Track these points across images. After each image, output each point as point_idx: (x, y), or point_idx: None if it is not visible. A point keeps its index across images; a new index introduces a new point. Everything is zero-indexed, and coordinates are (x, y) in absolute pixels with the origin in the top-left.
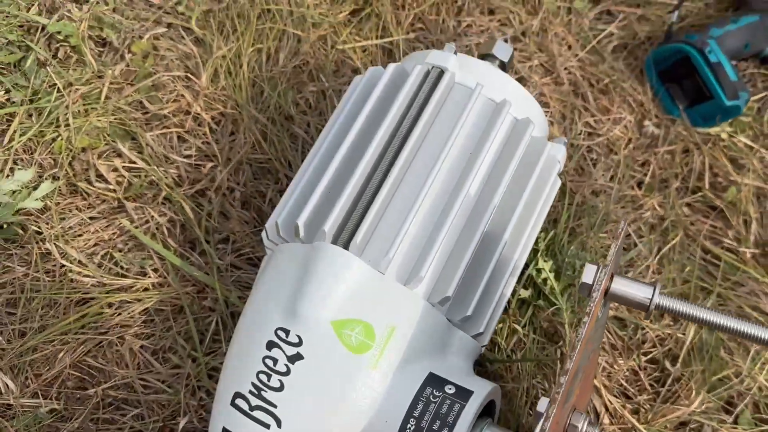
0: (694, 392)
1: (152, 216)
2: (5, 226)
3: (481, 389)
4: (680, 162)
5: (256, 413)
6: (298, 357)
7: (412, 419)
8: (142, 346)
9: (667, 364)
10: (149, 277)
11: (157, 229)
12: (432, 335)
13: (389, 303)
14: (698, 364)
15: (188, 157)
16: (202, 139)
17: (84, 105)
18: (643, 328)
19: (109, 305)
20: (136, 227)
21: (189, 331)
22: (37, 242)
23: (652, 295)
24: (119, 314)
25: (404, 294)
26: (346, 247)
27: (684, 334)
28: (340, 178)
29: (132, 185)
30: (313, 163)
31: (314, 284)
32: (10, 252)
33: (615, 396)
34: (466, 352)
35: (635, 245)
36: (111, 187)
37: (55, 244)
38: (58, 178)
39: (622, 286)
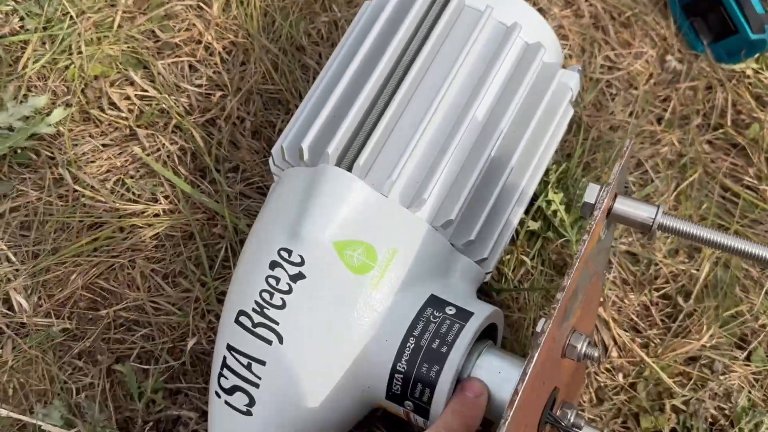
0: (705, 327)
1: (163, 144)
2: (19, 151)
3: (482, 311)
4: (702, 98)
5: (259, 330)
6: (300, 276)
7: (411, 338)
8: (153, 270)
9: (680, 300)
10: (160, 203)
11: (168, 156)
12: (434, 258)
13: (392, 225)
14: (711, 300)
15: (199, 86)
16: (213, 69)
17: (96, 33)
18: (656, 264)
19: (121, 230)
20: (148, 155)
21: (199, 256)
22: (50, 167)
23: (656, 215)
24: (130, 239)
25: (407, 217)
26: (349, 169)
27: (698, 270)
28: (346, 101)
29: (143, 113)
30: (320, 87)
31: (317, 205)
32: (24, 176)
33: (624, 330)
34: (470, 277)
35: (652, 181)
36: (123, 114)
37: (68, 169)
38: (71, 105)
39: (625, 206)
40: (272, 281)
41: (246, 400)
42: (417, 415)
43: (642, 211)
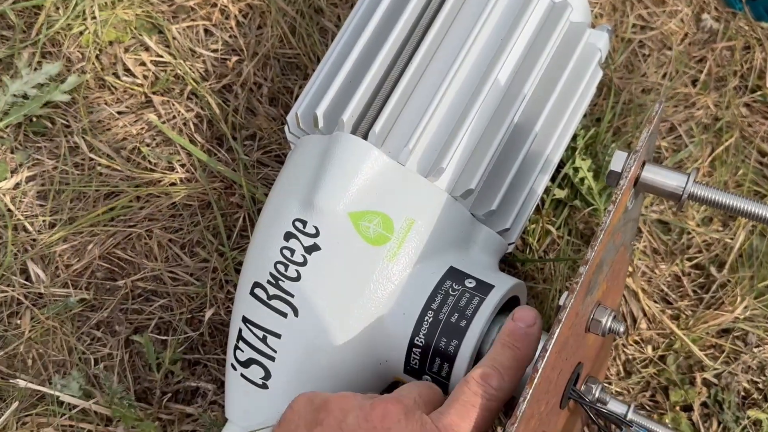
0: (739, 299)
1: (179, 111)
2: (34, 119)
3: (503, 284)
4: (740, 59)
5: (274, 302)
6: (315, 248)
7: (430, 311)
8: (170, 240)
9: (713, 270)
10: (177, 172)
11: (184, 124)
12: (454, 229)
13: (409, 195)
14: (746, 270)
15: (215, 51)
16: (228, 33)
17: None
18: (689, 233)
19: (138, 199)
20: (163, 122)
21: (216, 226)
22: (65, 135)
23: (686, 184)
24: (147, 208)
25: (425, 186)
26: (365, 137)
27: (733, 239)
28: (361, 66)
29: (158, 79)
30: (335, 52)
31: (331, 175)
32: (39, 145)
33: (654, 301)
34: (491, 249)
35: (686, 146)
36: (138, 81)
37: (83, 137)
38: (86, 72)
39: (653, 174)
40: (287, 253)
41: (262, 374)
42: None
43: (672, 180)
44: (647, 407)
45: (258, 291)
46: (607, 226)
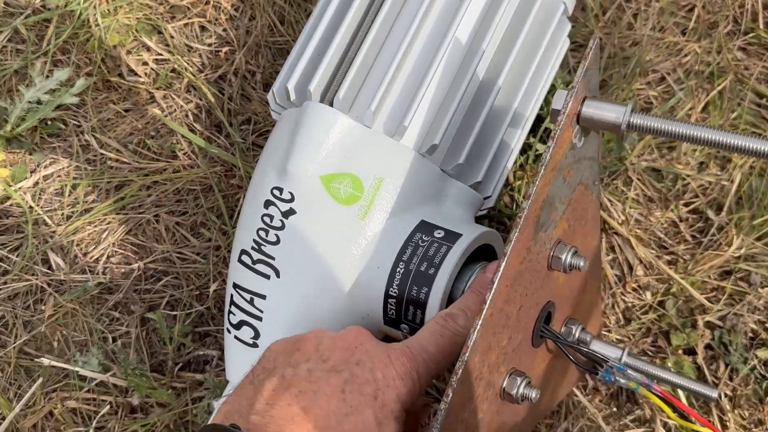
0: (737, 238)
1: (179, 104)
2: (49, 122)
3: (471, 232)
4: (731, 3)
5: (258, 266)
6: (291, 212)
7: (401, 263)
8: (176, 223)
9: (710, 214)
10: (179, 160)
11: (185, 115)
12: (424, 185)
13: (376, 155)
14: (745, 211)
15: (209, 44)
16: (221, 27)
17: (112, 4)
18: (683, 179)
19: (145, 188)
20: (166, 115)
21: (219, 207)
22: (77, 135)
23: (624, 115)
24: (154, 195)
25: (391, 145)
26: (331, 104)
27: (731, 181)
28: (327, 39)
29: (159, 75)
30: (305, 31)
31: (301, 142)
32: (54, 145)
33: (650, 248)
34: (465, 202)
35: (675, 93)
36: (141, 80)
37: (93, 135)
38: (92, 75)
39: (593, 109)
40: (267, 219)
41: (252, 333)
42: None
43: (611, 113)
44: (649, 353)
45: (244, 257)
46: (547, 161)
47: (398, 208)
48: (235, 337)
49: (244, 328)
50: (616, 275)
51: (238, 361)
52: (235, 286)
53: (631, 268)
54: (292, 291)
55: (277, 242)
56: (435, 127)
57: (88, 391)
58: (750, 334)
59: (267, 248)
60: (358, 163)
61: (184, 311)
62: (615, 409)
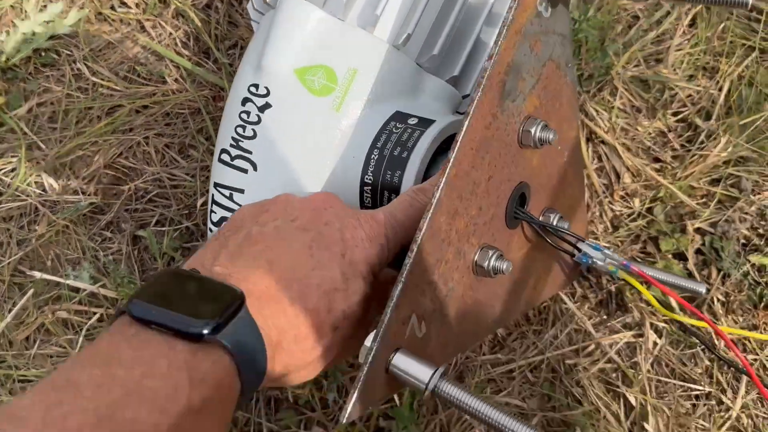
0: (726, 141)
1: (168, 32)
2: (43, 53)
3: (445, 119)
4: None
5: (236, 162)
6: (267, 106)
7: (375, 150)
8: (166, 145)
9: (699, 122)
10: (168, 84)
11: (174, 42)
12: (398, 78)
13: (350, 47)
14: (735, 117)
15: None
16: None
17: None
18: (671, 88)
19: (135, 112)
20: (156, 43)
21: (207, 129)
22: (69, 64)
23: None
24: (144, 118)
25: (364, 37)
26: None
27: (719, 90)
28: None
29: (148, 5)
30: None
31: (276, 36)
32: (48, 74)
33: (638, 156)
34: (442, 97)
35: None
36: (132, 11)
37: (85, 63)
38: (85, 7)
39: None
40: (244, 116)
41: None
42: None
43: None
44: (638, 259)
45: (224, 156)
46: (510, 22)
47: (373, 99)
48: None
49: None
50: (603, 184)
51: None
52: (216, 185)
53: (618, 176)
54: (269, 184)
55: (254, 137)
56: (408, 19)
57: (80, 302)
58: (742, 240)
59: (244, 143)
60: (331, 55)
61: (173, 227)
62: (605, 316)
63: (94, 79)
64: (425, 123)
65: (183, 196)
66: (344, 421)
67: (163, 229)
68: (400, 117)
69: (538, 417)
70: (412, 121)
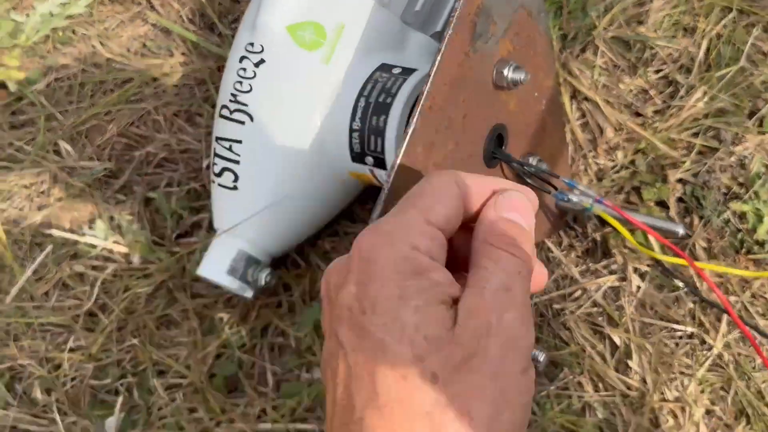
0: (704, 92)
1: (176, 9)
2: (61, 32)
3: (427, 67)
4: None
5: (234, 115)
6: (261, 62)
7: (362, 98)
8: (174, 113)
9: (679, 78)
10: (176, 57)
11: (180, 18)
12: (384, 32)
13: (338, 4)
14: (714, 71)
15: None
16: None
17: None
18: (651, 47)
19: (146, 83)
20: (164, 19)
21: (212, 97)
22: (85, 41)
23: None
24: (154, 90)
25: None
26: None
27: (698, 48)
28: None
29: None
30: None
31: None
32: (65, 52)
33: (619, 111)
34: (427, 51)
35: None
36: None
37: (99, 41)
38: None
39: None
40: (241, 72)
41: (232, 177)
42: (377, 168)
43: None
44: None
45: (223, 111)
46: None
47: (360, 52)
48: (219, 184)
49: (226, 173)
50: (587, 139)
51: (222, 204)
52: (217, 139)
53: (601, 131)
54: (265, 134)
55: (250, 90)
56: None
57: (95, 258)
58: (723, 190)
59: (241, 97)
60: (320, 11)
61: (181, 188)
62: (591, 264)
63: (107, 55)
64: (408, 72)
65: (190, 160)
66: None
67: (172, 189)
68: (385, 68)
69: None
70: (396, 70)
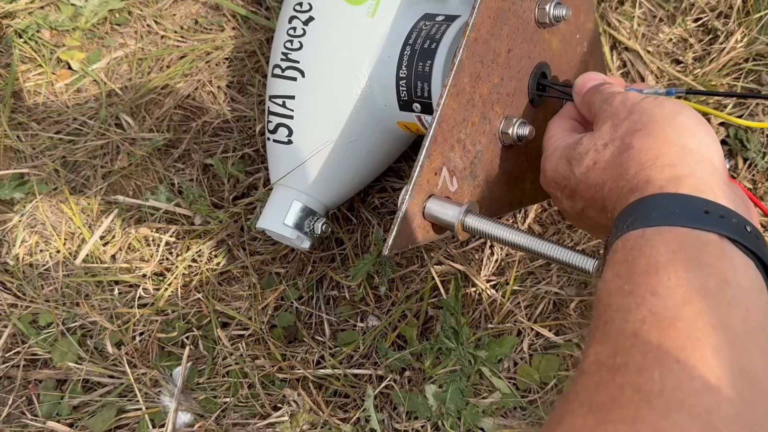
0: (747, 37)
1: None
2: (117, 14)
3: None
4: None
5: (287, 72)
6: (310, 19)
7: (408, 47)
8: (227, 84)
9: (718, 25)
10: (226, 32)
11: None
12: None
13: None
14: (753, 15)
15: None
16: None
17: None
18: None
19: (200, 58)
20: None
21: (262, 67)
22: (140, 21)
23: None
24: (207, 63)
25: None
26: None
27: None
28: None
29: None
30: None
31: None
32: (122, 32)
33: (660, 59)
34: (468, 2)
35: None
36: None
37: (154, 20)
38: None
39: None
40: (291, 31)
41: (286, 132)
42: (425, 114)
43: None
44: None
45: (276, 70)
46: None
47: (404, 4)
48: (274, 140)
49: (280, 129)
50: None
51: (278, 160)
52: (271, 97)
53: (642, 79)
54: (317, 88)
55: (301, 48)
56: None
57: (158, 221)
58: (767, 132)
59: (292, 55)
60: None
61: (236, 153)
62: None
63: (162, 33)
64: (451, 18)
65: (244, 128)
66: (386, 252)
67: (228, 155)
68: (428, 17)
69: (576, 302)
70: (440, 18)
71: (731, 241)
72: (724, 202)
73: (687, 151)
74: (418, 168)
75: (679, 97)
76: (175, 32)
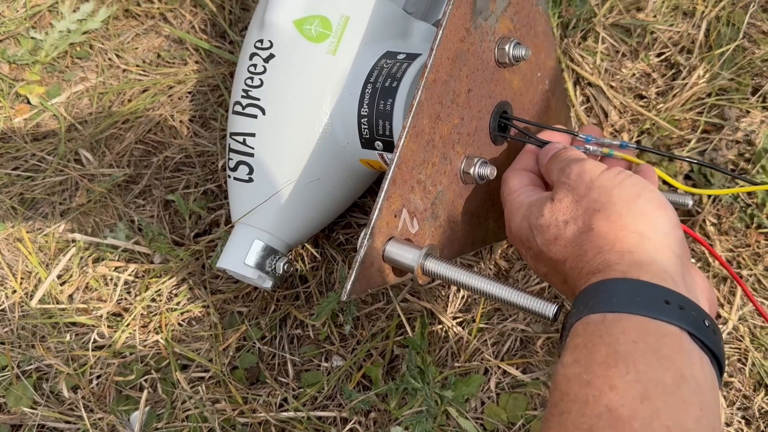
0: (709, 73)
1: (188, 20)
2: (78, 48)
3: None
4: None
5: (247, 110)
6: (271, 57)
7: (369, 84)
8: (190, 119)
9: (680, 60)
10: (189, 66)
11: (193, 28)
12: (388, 22)
13: None
14: (715, 51)
15: None
16: None
17: None
18: (652, 32)
19: (162, 92)
20: (178, 30)
21: (225, 102)
22: (102, 55)
23: None
24: (169, 97)
25: None
26: None
27: (698, 29)
28: None
29: None
30: None
31: None
32: (82, 65)
33: (623, 94)
34: (429, 39)
35: None
36: (155, 5)
37: (116, 53)
38: (113, 5)
39: None
40: (252, 68)
41: (247, 170)
42: (387, 152)
43: None
44: None
45: (236, 107)
46: None
47: (365, 42)
48: (234, 178)
49: (241, 167)
50: (592, 123)
51: (239, 198)
52: (231, 134)
53: (606, 114)
54: (278, 125)
55: (261, 85)
56: None
57: (117, 259)
58: (731, 166)
59: (253, 92)
60: (326, 4)
61: (198, 189)
62: None
63: (123, 66)
64: (412, 57)
65: (206, 162)
66: (345, 298)
67: (190, 191)
68: (390, 55)
69: (542, 339)
70: (401, 56)
71: (690, 335)
72: (684, 292)
73: (645, 239)
74: (376, 211)
75: (637, 152)
76: (137, 66)
